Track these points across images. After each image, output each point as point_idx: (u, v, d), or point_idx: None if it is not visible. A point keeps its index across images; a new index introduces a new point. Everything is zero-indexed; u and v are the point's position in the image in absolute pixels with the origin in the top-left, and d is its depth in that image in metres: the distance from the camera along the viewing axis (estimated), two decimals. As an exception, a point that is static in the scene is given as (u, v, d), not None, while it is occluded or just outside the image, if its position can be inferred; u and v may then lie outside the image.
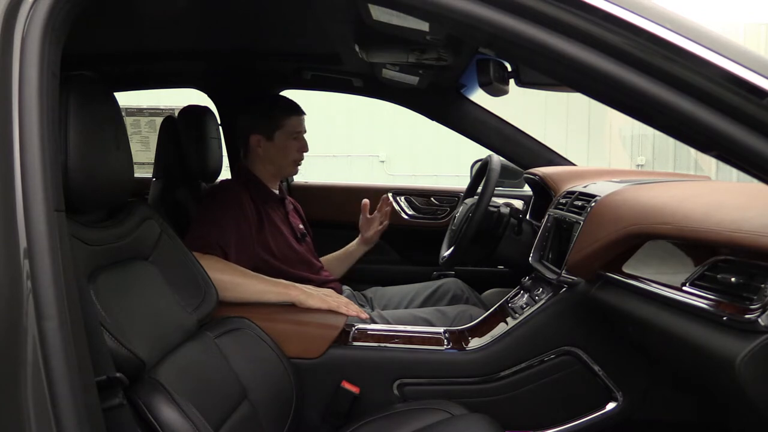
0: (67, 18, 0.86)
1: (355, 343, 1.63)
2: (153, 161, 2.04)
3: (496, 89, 1.56)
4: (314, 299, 1.72)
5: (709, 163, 7.44)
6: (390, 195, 2.71)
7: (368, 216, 2.21)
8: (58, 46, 0.86)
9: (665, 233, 1.21)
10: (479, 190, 2.03)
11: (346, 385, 1.57)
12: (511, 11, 0.79)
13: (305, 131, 2.06)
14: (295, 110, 2.04)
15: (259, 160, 2.01)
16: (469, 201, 2.12)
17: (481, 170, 2.16)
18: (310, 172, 2.76)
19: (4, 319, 0.76)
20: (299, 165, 2.07)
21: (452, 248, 2.05)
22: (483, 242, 2.02)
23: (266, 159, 2.01)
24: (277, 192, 2.07)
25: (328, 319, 1.68)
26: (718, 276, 1.03)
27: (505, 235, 2.03)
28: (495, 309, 1.79)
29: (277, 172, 2.06)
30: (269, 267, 1.86)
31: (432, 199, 2.74)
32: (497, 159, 2.03)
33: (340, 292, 2.03)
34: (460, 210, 2.12)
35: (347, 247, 2.28)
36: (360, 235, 2.24)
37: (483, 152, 2.42)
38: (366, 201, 2.21)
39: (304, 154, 2.06)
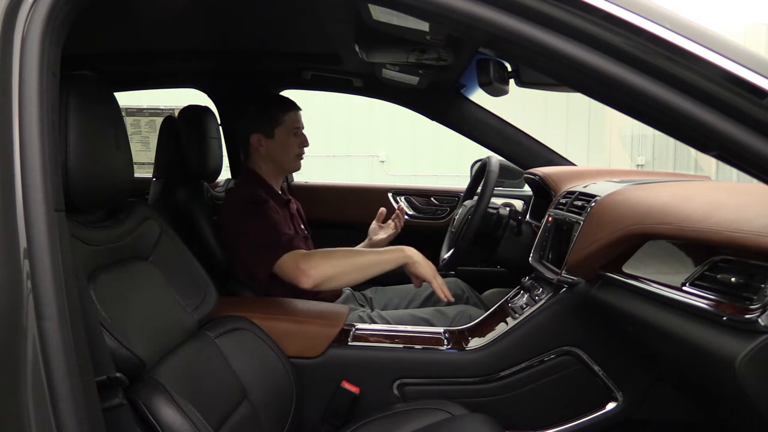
0: (67, 18, 0.86)
1: (355, 343, 1.63)
2: (153, 161, 2.04)
3: (496, 89, 1.56)
4: (426, 269, 1.75)
5: (709, 163, 7.42)
6: (390, 195, 2.72)
7: (381, 224, 2.20)
8: (58, 46, 0.86)
9: (665, 233, 1.21)
10: (478, 191, 2.03)
11: (346, 385, 1.57)
12: (511, 11, 0.79)
13: (303, 126, 2.07)
14: (292, 106, 2.05)
15: (261, 159, 2.02)
16: (468, 203, 2.12)
17: (480, 172, 2.16)
18: (310, 172, 2.76)
19: (4, 319, 0.76)
20: (300, 160, 2.07)
21: (452, 250, 2.05)
22: (483, 244, 2.02)
23: (268, 157, 2.01)
24: (280, 193, 2.08)
25: (328, 318, 1.68)
26: (718, 276, 1.03)
27: (505, 236, 2.03)
28: (495, 309, 1.79)
29: (280, 169, 2.06)
30: None
31: (432, 199, 2.74)
32: (496, 160, 2.03)
33: (339, 292, 2.03)
34: (460, 212, 2.12)
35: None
36: (368, 239, 2.23)
37: (483, 152, 2.42)
38: (383, 209, 2.21)
39: (305, 150, 2.07)
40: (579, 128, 8.18)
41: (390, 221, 2.21)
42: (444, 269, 2.16)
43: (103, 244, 1.15)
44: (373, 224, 2.22)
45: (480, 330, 1.70)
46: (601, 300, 1.43)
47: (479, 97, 2.34)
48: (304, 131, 2.05)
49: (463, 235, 1.97)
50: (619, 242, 1.33)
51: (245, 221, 1.84)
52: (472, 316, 1.85)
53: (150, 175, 2.09)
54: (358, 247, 2.25)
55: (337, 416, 1.57)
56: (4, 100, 0.79)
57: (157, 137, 2.00)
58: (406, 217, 2.68)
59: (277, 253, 1.75)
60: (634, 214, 1.31)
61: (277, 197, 2.03)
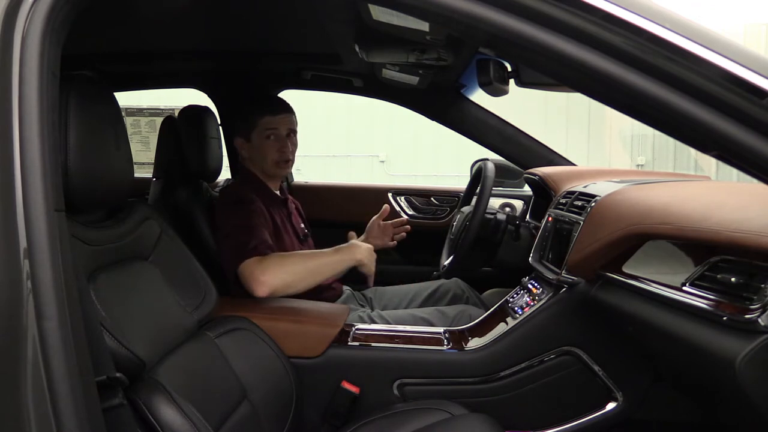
0: (67, 18, 0.86)
1: (355, 343, 1.63)
2: (153, 161, 2.04)
3: (496, 89, 1.56)
4: (370, 268, 1.86)
5: (709, 163, 7.42)
6: (390, 195, 2.71)
7: (381, 222, 2.14)
8: (58, 46, 0.86)
9: (666, 233, 1.21)
10: (477, 192, 2.03)
11: (346, 385, 1.57)
12: (511, 11, 0.80)
13: (290, 131, 2.00)
14: (270, 109, 1.98)
15: (246, 162, 2.02)
16: (465, 209, 2.11)
17: (477, 176, 2.15)
18: (309, 172, 2.76)
19: (4, 319, 0.76)
20: (284, 167, 2.01)
21: (452, 257, 2.05)
22: (482, 249, 2.02)
23: (250, 161, 2.01)
24: (278, 193, 2.07)
25: (328, 318, 1.68)
26: (718, 276, 1.03)
27: (504, 240, 2.03)
28: (495, 309, 1.79)
29: (263, 173, 2.02)
30: None
31: (432, 199, 2.74)
32: (491, 165, 2.02)
33: (340, 292, 2.03)
34: (458, 218, 2.11)
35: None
36: (365, 235, 2.17)
37: (483, 152, 2.42)
38: (387, 206, 2.14)
39: (290, 156, 2.00)
40: (579, 128, 8.19)
41: (389, 224, 2.15)
42: (444, 276, 2.15)
43: (103, 244, 1.15)
44: (373, 222, 2.15)
45: (480, 330, 1.70)
46: (601, 300, 1.43)
47: (479, 97, 2.34)
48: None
49: (461, 242, 1.96)
50: (619, 242, 1.33)
51: (225, 219, 1.85)
52: (472, 316, 1.85)
53: (150, 175, 2.09)
54: (352, 242, 2.23)
55: (337, 416, 1.57)
56: (4, 100, 0.79)
57: (157, 137, 2.00)
58: (405, 217, 2.69)
59: (242, 256, 1.71)
60: (634, 214, 1.31)
61: (273, 197, 2.02)
